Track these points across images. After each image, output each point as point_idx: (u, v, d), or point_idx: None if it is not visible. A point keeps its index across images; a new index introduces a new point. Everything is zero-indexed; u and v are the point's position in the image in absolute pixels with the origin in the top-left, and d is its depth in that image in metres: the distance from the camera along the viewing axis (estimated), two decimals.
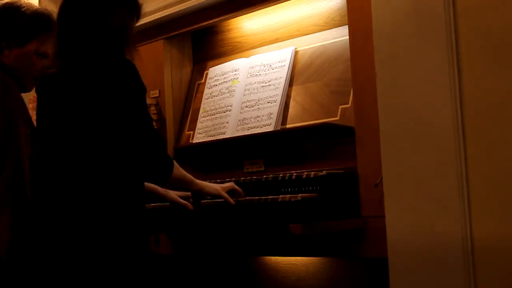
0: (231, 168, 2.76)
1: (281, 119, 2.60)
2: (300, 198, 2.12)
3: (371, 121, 2.17)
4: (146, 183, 2.20)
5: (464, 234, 1.82)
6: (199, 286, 3.03)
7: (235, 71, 2.85)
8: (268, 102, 2.65)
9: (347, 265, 2.59)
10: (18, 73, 2.35)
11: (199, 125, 2.90)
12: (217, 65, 2.97)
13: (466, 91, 1.84)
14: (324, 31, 2.61)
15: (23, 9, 2.39)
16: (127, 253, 2.02)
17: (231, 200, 2.27)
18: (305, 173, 2.25)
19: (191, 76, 3.11)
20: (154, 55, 3.04)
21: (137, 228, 2.06)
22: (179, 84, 3.07)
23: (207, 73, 3.01)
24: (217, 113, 2.83)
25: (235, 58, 2.90)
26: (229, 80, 2.86)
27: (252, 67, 2.79)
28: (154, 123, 2.95)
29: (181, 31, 2.98)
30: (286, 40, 2.76)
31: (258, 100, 2.69)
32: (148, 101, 2.97)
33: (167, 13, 2.93)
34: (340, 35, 2.53)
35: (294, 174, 2.28)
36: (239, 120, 2.73)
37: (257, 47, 2.87)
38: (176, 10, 2.90)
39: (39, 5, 3.21)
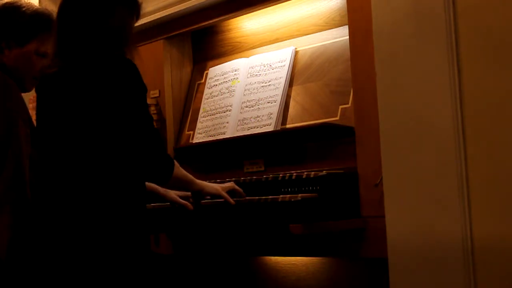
0: (231, 168, 2.76)
1: (281, 119, 2.60)
2: (300, 198, 2.12)
3: (371, 121, 2.17)
4: (146, 183, 2.20)
5: (464, 234, 1.82)
6: (199, 286, 3.03)
7: (235, 71, 2.85)
8: (268, 102, 2.65)
9: (347, 265, 2.59)
10: (18, 73, 2.35)
11: (199, 125, 2.90)
12: (217, 65, 2.97)
13: (466, 91, 1.84)
14: (324, 31, 2.61)
15: (23, 9, 2.39)
16: (127, 253, 2.02)
17: (231, 200, 2.27)
18: (305, 173, 2.25)
19: (191, 76, 3.11)
20: (154, 55, 3.04)
21: (137, 228, 2.06)
22: (179, 84, 3.07)
23: (207, 73, 3.01)
24: (217, 113, 2.83)
25: (235, 58, 2.90)
26: (229, 80, 2.86)
27: (252, 67, 2.79)
28: (154, 123, 2.95)
29: (181, 31, 2.98)
30: (286, 40, 2.76)
31: (258, 100, 2.69)
32: (148, 101, 2.97)
33: (167, 13, 2.93)
34: (340, 35, 2.53)
35: (294, 174, 2.28)
36: (239, 120, 2.73)
37: (257, 47, 2.87)
38: (176, 10, 2.90)
39: (39, 5, 3.20)
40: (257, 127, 2.64)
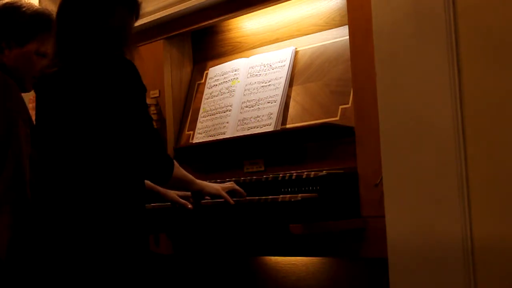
0: (231, 168, 2.76)
1: (281, 119, 2.60)
2: (300, 198, 2.12)
3: (371, 121, 2.17)
4: (147, 182, 2.20)
5: (464, 234, 1.82)
6: (199, 286, 3.03)
7: (235, 71, 2.85)
8: (268, 102, 2.65)
9: (347, 265, 2.59)
10: (18, 73, 2.35)
11: (199, 125, 2.90)
12: (217, 65, 2.97)
13: (466, 91, 1.84)
14: (324, 31, 2.61)
15: (23, 9, 2.39)
16: (127, 253, 2.02)
17: (231, 200, 2.27)
18: (305, 173, 2.25)
19: (191, 76, 3.11)
20: (154, 55, 3.04)
21: (137, 228, 2.06)
22: (179, 84, 3.07)
23: (207, 73, 3.01)
24: (217, 113, 2.83)
25: (235, 58, 2.90)
26: (229, 80, 2.86)
27: (252, 67, 2.79)
28: (154, 123, 2.95)
29: (181, 31, 2.97)
30: (286, 40, 2.76)
31: (258, 100, 2.69)
32: (148, 101, 2.97)
33: (167, 13, 2.93)
34: (340, 35, 2.53)
35: (294, 174, 2.28)
36: (239, 120, 2.73)
37: (257, 47, 2.87)
38: (176, 10, 2.90)
39: (39, 5, 3.21)
40: (257, 127, 2.64)
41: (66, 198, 2.03)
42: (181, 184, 2.22)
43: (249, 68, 2.80)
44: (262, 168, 2.64)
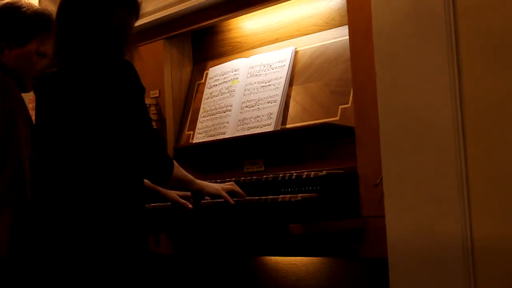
0: (231, 168, 2.76)
1: (281, 119, 2.60)
2: (300, 198, 2.12)
3: (371, 121, 2.16)
4: (147, 183, 2.20)
5: (464, 234, 1.82)
6: (199, 286, 3.03)
7: (235, 71, 2.85)
8: (268, 102, 2.65)
9: (347, 265, 2.59)
10: (18, 73, 2.35)
11: (199, 125, 2.90)
12: (217, 65, 2.97)
13: (466, 91, 1.84)
14: (324, 31, 2.61)
15: (24, 9, 2.39)
16: (126, 253, 2.02)
17: (231, 200, 2.27)
18: (305, 173, 2.25)
19: (191, 76, 3.11)
20: (154, 55, 3.04)
21: (137, 228, 2.06)
22: (179, 84, 3.07)
23: (207, 73, 3.01)
24: (217, 113, 2.83)
25: (235, 58, 2.90)
26: (229, 80, 2.86)
27: (252, 67, 2.79)
28: (154, 123, 2.95)
29: (181, 31, 2.98)
30: (286, 40, 2.76)
31: (258, 100, 2.69)
32: (148, 101, 2.97)
33: (167, 13, 2.93)
34: (340, 35, 2.53)
35: (294, 174, 2.28)
36: (239, 120, 2.73)
37: (257, 47, 2.87)
38: (176, 10, 2.90)
39: (39, 5, 3.21)
40: (257, 127, 2.64)
41: (66, 198, 2.03)
42: (181, 184, 2.22)
43: (249, 68, 2.80)
44: (262, 168, 2.64)
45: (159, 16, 2.95)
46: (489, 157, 1.80)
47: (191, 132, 2.94)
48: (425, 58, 1.91)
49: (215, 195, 2.28)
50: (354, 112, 2.31)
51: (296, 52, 2.68)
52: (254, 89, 2.73)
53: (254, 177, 2.44)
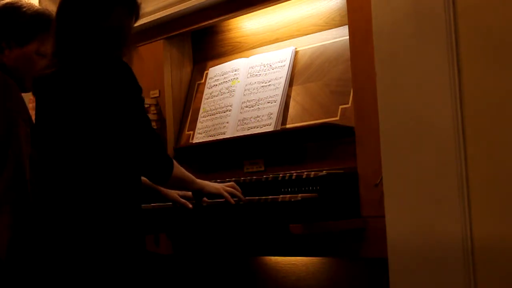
0: (231, 168, 2.76)
1: (281, 119, 2.60)
2: (300, 198, 2.12)
3: (371, 121, 2.16)
4: (148, 182, 2.20)
5: (464, 234, 1.82)
6: (199, 286, 3.03)
7: (235, 71, 2.85)
8: (268, 102, 2.65)
9: (347, 265, 2.59)
10: (18, 73, 2.35)
11: (199, 125, 2.90)
12: (217, 65, 2.97)
13: (466, 91, 1.84)
14: (324, 31, 2.61)
15: (24, 9, 2.39)
16: (126, 253, 2.02)
17: (231, 200, 2.27)
18: (305, 173, 2.25)
19: (191, 76, 3.11)
20: (154, 55, 3.04)
21: (136, 228, 2.06)
22: (179, 84, 3.07)
23: (207, 73, 3.01)
24: (217, 113, 2.84)
25: (235, 58, 2.90)
26: (229, 80, 2.86)
27: (252, 67, 2.79)
28: (154, 123, 2.96)
29: (181, 31, 2.98)
30: (286, 40, 2.76)
31: (258, 100, 2.69)
32: (148, 101, 2.98)
33: (167, 13, 2.93)
34: (340, 35, 2.53)
35: (294, 174, 2.28)
36: (239, 120, 2.73)
37: (257, 47, 2.87)
38: (176, 10, 2.90)
39: (39, 5, 3.20)
40: (257, 127, 2.64)
41: (66, 198, 2.03)
42: (181, 184, 2.22)
43: (249, 68, 2.80)
44: (262, 168, 2.64)
45: (159, 16, 2.95)
46: (489, 157, 1.80)
47: (191, 132, 2.94)
48: (425, 58, 1.91)
49: (215, 194, 2.28)
50: (354, 112, 2.31)
51: (296, 52, 2.68)
52: (254, 89, 2.73)
53: (254, 177, 2.44)
